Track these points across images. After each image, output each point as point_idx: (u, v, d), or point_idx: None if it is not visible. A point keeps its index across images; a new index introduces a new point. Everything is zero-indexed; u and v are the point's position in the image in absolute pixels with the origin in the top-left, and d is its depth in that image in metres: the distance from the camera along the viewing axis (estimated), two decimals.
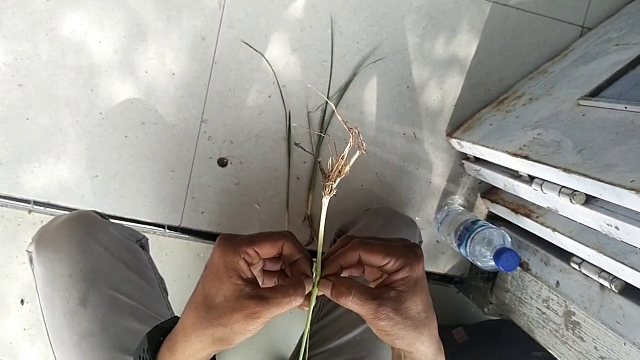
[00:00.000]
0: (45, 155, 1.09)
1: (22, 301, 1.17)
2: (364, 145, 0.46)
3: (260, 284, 0.51)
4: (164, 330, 0.51)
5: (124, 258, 0.81)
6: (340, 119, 0.44)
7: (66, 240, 0.77)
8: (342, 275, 0.50)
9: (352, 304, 0.46)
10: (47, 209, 1.12)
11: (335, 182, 0.46)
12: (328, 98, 1.14)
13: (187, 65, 1.11)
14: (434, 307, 0.49)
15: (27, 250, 0.81)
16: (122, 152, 1.11)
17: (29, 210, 1.13)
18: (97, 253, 0.78)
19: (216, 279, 0.45)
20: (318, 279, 0.49)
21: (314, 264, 0.50)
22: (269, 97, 1.13)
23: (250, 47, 1.11)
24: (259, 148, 1.15)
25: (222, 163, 1.15)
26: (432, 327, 0.47)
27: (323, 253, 0.50)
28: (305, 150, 1.11)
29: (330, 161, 0.46)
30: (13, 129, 1.08)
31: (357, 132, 0.45)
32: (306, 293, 0.47)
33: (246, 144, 1.14)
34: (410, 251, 0.47)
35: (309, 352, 0.83)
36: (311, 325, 0.89)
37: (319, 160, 0.48)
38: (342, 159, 0.46)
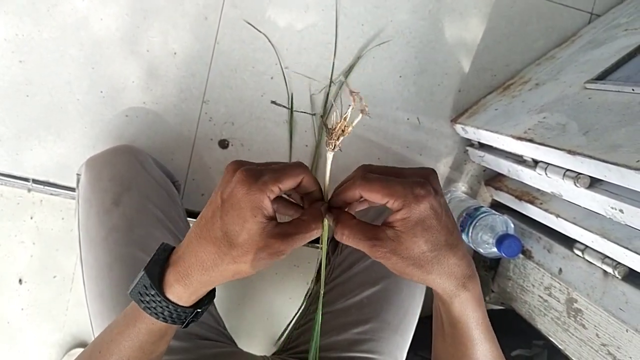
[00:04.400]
0: (45, 133, 1.08)
1: (20, 280, 1.16)
2: (367, 108, 0.46)
3: None
4: (160, 262, 0.49)
5: (157, 179, 0.89)
6: (345, 83, 0.45)
7: (113, 155, 0.87)
8: (356, 208, 0.51)
9: (346, 241, 0.46)
10: (46, 187, 1.11)
11: (338, 139, 0.48)
12: (331, 81, 1.13)
13: (189, 45, 1.09)
14: None
15: (76, 174, 0.88)
16: (123, 131, 1.10)
17: (28, 189, 1.12)
18: (136, 168, 0.86)
19: (239, 216, 0.43)
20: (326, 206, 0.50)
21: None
22: (271, 78, 1.12)
23: (253, 27, 1.10)
24: (261, 130, 1.14)
25: (223, 145, 1.14)
26: (444, 264, 0.46)
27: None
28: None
29: (334, 117, 0.47)
30: (13, 105, 1.07)
31: (359, 96, 0.46)
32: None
33: (247, 125, 1.13)
34: (411, 191, 0.44)
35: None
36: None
37: (321, 116, 0.50)
38: (345, 119, 0.47)
